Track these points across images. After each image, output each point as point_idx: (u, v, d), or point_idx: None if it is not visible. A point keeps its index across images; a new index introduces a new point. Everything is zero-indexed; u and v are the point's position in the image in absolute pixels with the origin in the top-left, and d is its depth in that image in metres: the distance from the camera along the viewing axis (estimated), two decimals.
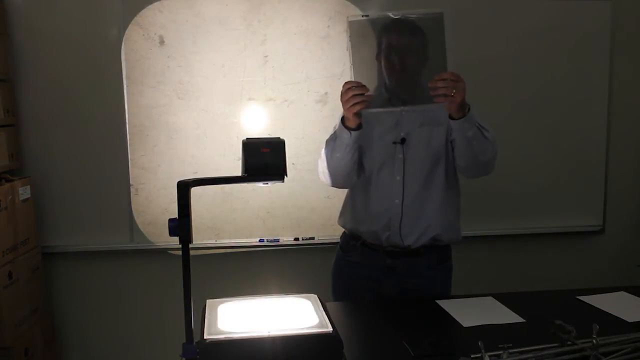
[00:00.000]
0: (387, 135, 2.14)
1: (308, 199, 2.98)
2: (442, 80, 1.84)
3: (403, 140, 2.12)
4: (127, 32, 2.84)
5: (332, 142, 2.10)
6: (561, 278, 3.27)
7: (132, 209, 2.94)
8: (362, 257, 2.22)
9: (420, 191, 2.13)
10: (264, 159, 1.49)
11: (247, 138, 1.53)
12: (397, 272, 2.16)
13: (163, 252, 2.96)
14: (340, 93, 1.94)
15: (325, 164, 2.13)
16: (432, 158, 2.12)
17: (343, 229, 2.31)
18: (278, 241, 3.05)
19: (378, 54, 2.13)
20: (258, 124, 2.96)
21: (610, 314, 1.93)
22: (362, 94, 1.89)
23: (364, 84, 1.89)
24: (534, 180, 3.23)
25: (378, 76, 1.97)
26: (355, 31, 1.93)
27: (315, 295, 1.73)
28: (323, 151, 2.16)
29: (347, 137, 2.02)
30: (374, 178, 2.17)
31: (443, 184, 2.16)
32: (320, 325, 1.51)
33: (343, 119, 2.02)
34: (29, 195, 2.73)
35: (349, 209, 2.26)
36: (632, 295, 2.12)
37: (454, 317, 1.89)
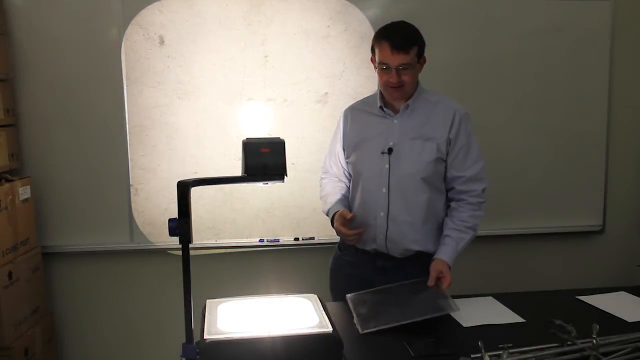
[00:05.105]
0: (376, 143, 2.14)
1: (308, 199, 2.98)
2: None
3: (390, 151, 2.11)
4: (127, 32, 2.84)
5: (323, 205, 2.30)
6: (561, 278, 3.28)
7: (132, 209, 2.93)
8: (355, 257, 2.23)
9: (407, 205, 2.12)
10: (264, 159, 1.49)
11: (247, 138, 1.53)
12: (389, 273, 2.16)
13: (163, 252, 2.96)
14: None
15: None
16: (420, 172, 2.10)
17: None
18: (278, 241, 3.05)
19: (372, 58, 2.14)
20: (258, 124, 2.96)
21: (610, 314, 1.94)
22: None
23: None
24: (534, 180, 3.23)
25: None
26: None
27: (315, 295, 1.73)
28: (320, 181, 2.35)
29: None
30: (361, 188, 2.18)
31: (430, 199, 2.13)
32: (320, 325, 1.52)
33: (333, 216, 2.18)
34: (29, 195, 2.72)
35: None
36: (632, 295, 2.12)
37: (454, 317, 1.89)
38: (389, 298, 2.01)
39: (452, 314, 1.89)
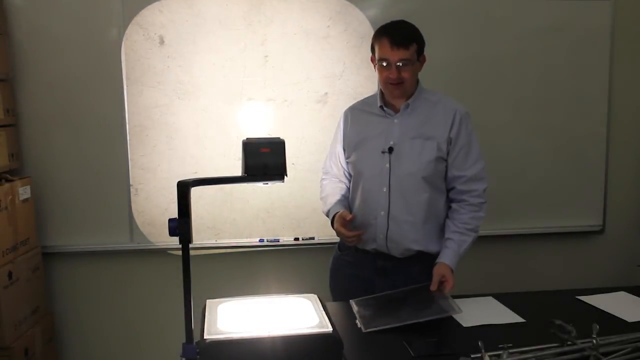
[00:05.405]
0: (377, 142, 2.14)
1: (308, 199, 2.98)
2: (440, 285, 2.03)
3: (390, 150, 2.11)
4: (127, 32, 2.84)
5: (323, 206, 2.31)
6: (561, 278, 3.28)
7: (132, 209, 2.93)
8: (355, 257, 2.22)
9: (407, 205, 2.11)
10: (264, 159, 1.49)
11: (247, 138, 1.53)
12: (389, 274, 2.16)
13: (163, 252, 2.96)
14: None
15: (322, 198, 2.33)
16: (420, 172, 2.09)
17: None
18: (278, 241, 3.05)
19: (372, 57, 2.14)
20: (258, 124, 2.96)
21: (610, 314, 1.94)
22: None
23: None
24: (534, 180, 3.23)
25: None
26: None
27: (315, 295, 1.73)
28: (321, 182, 2.35)
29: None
30: (361, 188, 2.18)
31: (431, 198, 2.13)
32: (320, 325, 1.52)
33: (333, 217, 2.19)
34: (29, 195, 2.72)
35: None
36: (632, 295, 2.12)
37: (454, 317, 1.89)
38: (392, 301, 2.01)
39: (452, 314, 1.89)
